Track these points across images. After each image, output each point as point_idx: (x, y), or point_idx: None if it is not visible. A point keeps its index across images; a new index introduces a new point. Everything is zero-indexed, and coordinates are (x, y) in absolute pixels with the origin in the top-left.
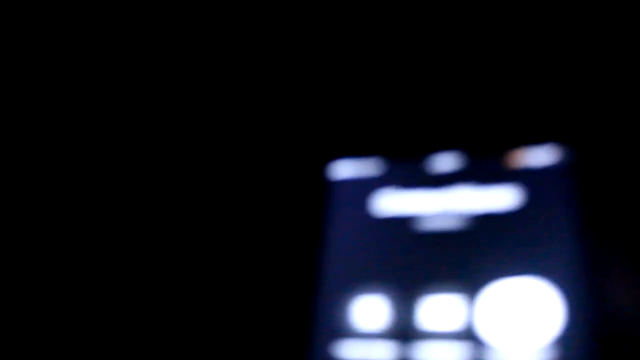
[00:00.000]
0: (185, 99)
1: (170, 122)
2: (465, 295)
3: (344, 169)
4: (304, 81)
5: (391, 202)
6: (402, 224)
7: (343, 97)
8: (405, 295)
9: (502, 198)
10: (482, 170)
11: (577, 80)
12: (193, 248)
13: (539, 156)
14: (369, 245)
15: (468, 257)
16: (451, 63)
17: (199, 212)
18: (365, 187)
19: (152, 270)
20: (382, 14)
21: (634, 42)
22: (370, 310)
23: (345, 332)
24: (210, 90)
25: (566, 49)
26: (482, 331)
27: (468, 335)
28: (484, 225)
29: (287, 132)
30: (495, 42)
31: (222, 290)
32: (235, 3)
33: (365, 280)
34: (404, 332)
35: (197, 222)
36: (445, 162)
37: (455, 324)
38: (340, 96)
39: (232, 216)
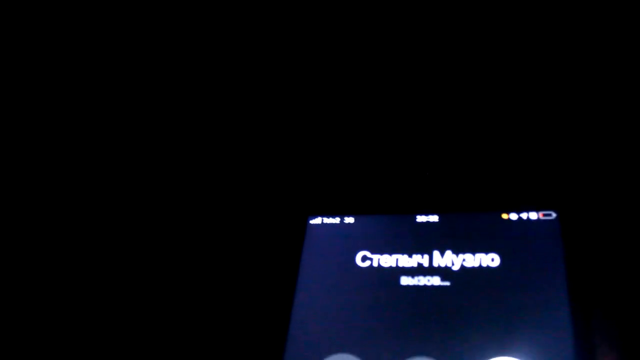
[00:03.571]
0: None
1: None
2: None
3: (328, 221)
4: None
5: (374, 255)
6: (383, 276)
7: (329, 152)
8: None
9: (486, 258)
10: (466, 229)
11: (562, 149)
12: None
13: (524, 217)
14: (347, 294)
15: (452, 317)
16: (434, 121)
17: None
18: (348, 237)
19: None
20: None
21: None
22: None
23: None
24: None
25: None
26: None
27: None
28: (468, 282)
29: (274, 183)
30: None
31: (196, 319)
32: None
33: (337, 336)
34: None
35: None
36: (428, 218)
37: None
38: (326, 151)
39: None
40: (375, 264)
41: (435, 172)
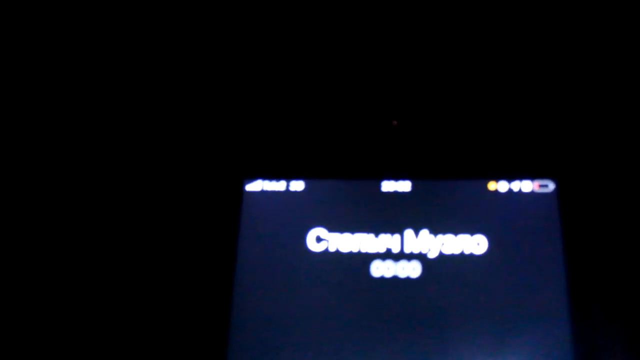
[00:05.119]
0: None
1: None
2: None
3: (270, 187)
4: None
5: (330, 235)
6: (343, 265)
7: (270, 97)
8: None
9: (470, 241)
10: (445, 202)
11: (563, 103)
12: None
13: (515, 189)
14: (297, 288)
15: (430, 317)
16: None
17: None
18: (296, 210)
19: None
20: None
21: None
22: None
23: None
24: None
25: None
26: None
27: None
28: (449, 273)
29: (200, 136)
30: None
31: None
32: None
33: (289, 344)
34: None
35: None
36: (398, 186)
37: None
38: (266, 95)
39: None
40: (332, 248)
41: (407, 124)
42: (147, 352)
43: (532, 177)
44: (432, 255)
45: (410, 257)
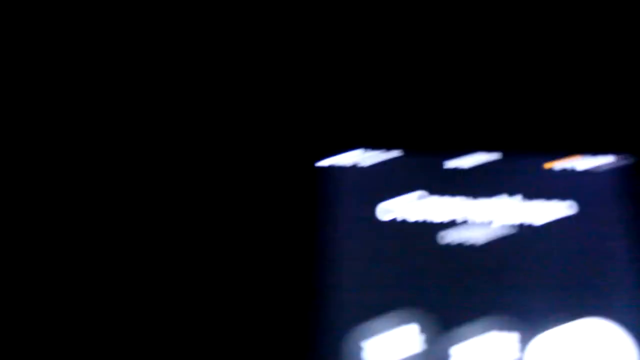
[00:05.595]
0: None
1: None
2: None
3: (352, 160)
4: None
5: (410, 204)
6: (422, 232)
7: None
8: (432, 330)
9: (542, 211)
10: (522, 173)
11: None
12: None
13: (594, 162)
14: (381, 259)
15: (509, 279)
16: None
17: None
18: (377, 183)
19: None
20: None
21: None
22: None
23: None
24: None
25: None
26: None
27: None
28: (519, 240)
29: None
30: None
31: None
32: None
33: (379, 305)
34: None
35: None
36: (477, 160)
37: None
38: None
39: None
40: (401, 218)
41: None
42: (236, 331)
43: (611, 152)
44: (501, 223)
45: (479, 225)
